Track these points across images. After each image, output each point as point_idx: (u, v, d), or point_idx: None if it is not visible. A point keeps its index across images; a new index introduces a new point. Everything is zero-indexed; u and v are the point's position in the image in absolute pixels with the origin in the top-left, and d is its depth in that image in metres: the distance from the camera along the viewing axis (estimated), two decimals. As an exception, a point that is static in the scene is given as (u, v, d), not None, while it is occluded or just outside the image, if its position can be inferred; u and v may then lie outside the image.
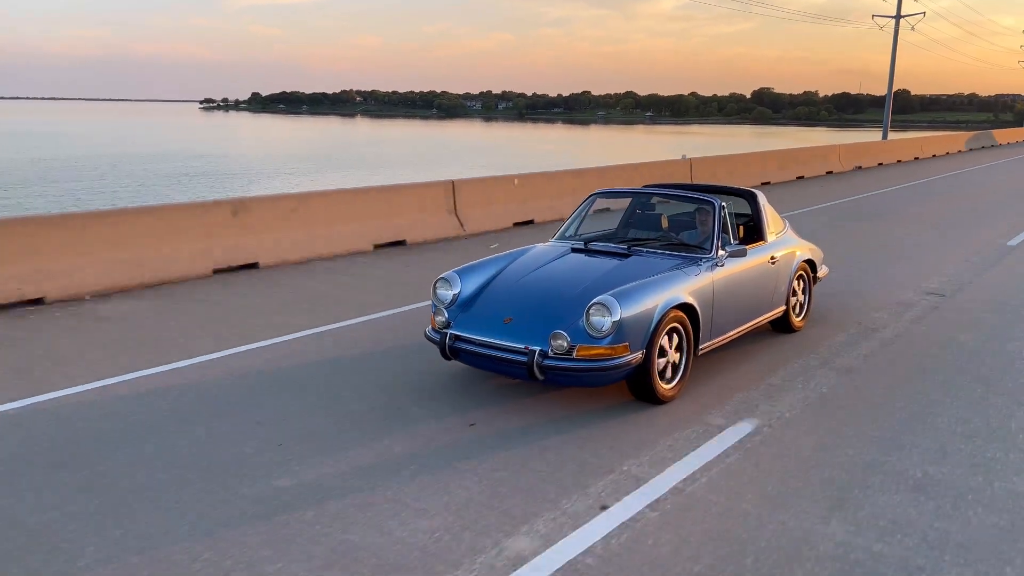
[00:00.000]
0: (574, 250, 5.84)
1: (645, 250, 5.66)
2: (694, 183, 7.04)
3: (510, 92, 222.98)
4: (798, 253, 6.66)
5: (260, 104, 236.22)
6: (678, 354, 5.13)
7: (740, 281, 5.73)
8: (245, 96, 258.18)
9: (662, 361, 4.99)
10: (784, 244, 6.51)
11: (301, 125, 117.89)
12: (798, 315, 6.77)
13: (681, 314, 5.06)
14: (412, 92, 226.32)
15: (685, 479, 4.03)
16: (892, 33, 37.99)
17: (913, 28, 41.51)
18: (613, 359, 4.65)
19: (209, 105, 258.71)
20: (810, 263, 6.86)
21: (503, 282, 5.42)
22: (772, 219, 6.52)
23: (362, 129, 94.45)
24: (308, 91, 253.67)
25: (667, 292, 4.97)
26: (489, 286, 5.41)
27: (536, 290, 5.22)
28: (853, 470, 4.16)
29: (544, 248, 5.99)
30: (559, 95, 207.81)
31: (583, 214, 6.39)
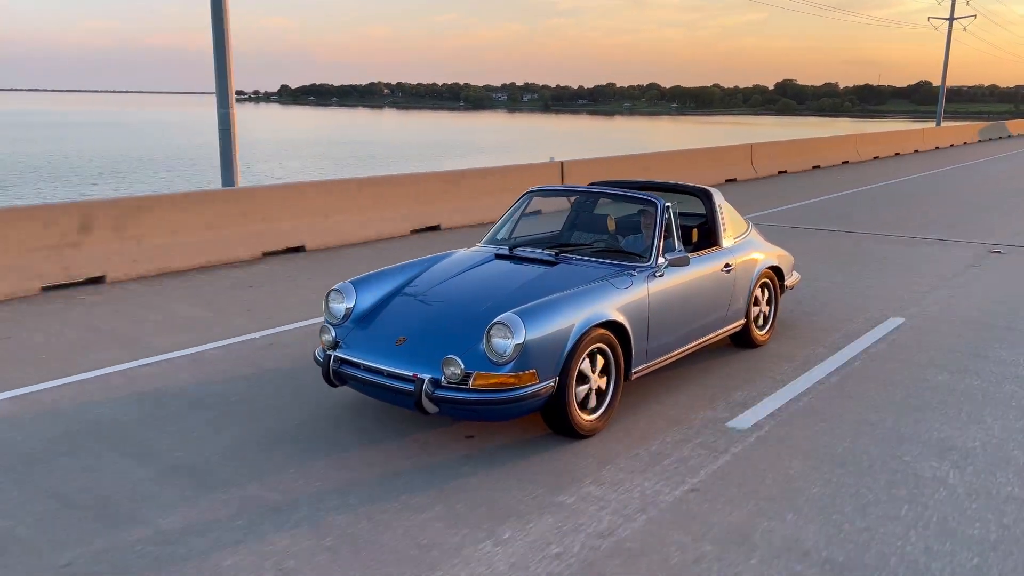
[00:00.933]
0: (498, 256, 5.11)
1: (575, 257, 4.93)
2: (647, 180, 6.28)
3: (532, 84, 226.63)
4: (761, 259, 5.90)
5: (290, 96, 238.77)
6: (604, 379, 4.42)
7: (685, 293, 4.99)
8: (274, 88, 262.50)
9: (583, 389, 4.27)
10: (744, 249, 5.76)
11: (355, 116, 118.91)
12: (761, 328, 6.02)
13: (607, 333, 4.33)
14: (436, 84, 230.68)
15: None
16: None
17: (966, 29, 44.74)
18: (516, 389, 3.92)
19: (240, 97, 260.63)
20: (776, 270, 6.11)
21: (408, 295, 4.70)
22: (730, 221, 5.77)
23: (427, 121, 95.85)
24: (336, 83, 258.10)
25: (588, 308, 4.24)
26: (391, 299, 4.69)
27: (439, 305, 4.50)
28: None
29: (466, 254, 5.27)
30: (581, 87, 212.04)
31: (516, 214, 5.66)
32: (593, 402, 4.36)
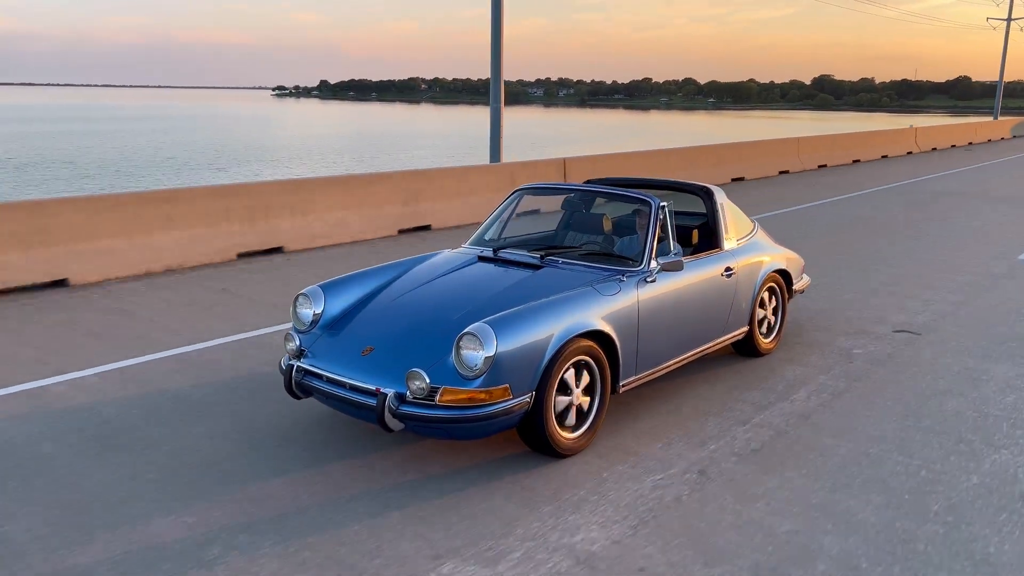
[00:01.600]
0: (481, 259, 4.80)
1: (561, 261, 4.60)
2: (646, 178, 5.92)
3: (566, 79, 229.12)
4: (767, 262, 5.53)
5: (330, 91, 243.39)
6: (588, 395, 4.09)
7: (679, 299, 4.64)
8: (313, 83, 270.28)
9: (563, 404, 3.95)
10: (748, 251, 5.39)
11: (402, 112, 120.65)
12: (767, 335, 5.65)
13: (591, 344, 4.00)
14: (470, 80, 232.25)
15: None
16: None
17: (1022, 29, 44.99)
18: (486, 405, 3.61)
19: (281, 92, 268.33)
20: (783, 274, 5.74)
21: (383, 300, 4.40)
22: (733, 221, 5.41)
23: (476, 115, 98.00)
24: (373, 79, 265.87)
25: (569, 317, 3.91)
26: (364, 305, 4.39)
27: (412, 312, 4.19)
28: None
29: (449, 255, 4.96)
30: (615, 82, 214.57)
31: (505, 213, 5.33)
32: (574, 419, 4.04)
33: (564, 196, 5.43)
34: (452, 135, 54.91)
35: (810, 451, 4.09)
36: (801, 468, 3.90)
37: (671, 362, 4.68)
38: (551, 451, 3.91)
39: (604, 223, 5.11)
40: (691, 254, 5.18)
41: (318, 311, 4.30)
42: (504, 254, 4.77)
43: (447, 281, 4.49)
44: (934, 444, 4.19)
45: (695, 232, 5.42)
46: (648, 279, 4.43)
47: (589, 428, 4.09)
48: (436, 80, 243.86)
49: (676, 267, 4.50)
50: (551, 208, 5.85)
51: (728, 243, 5.25)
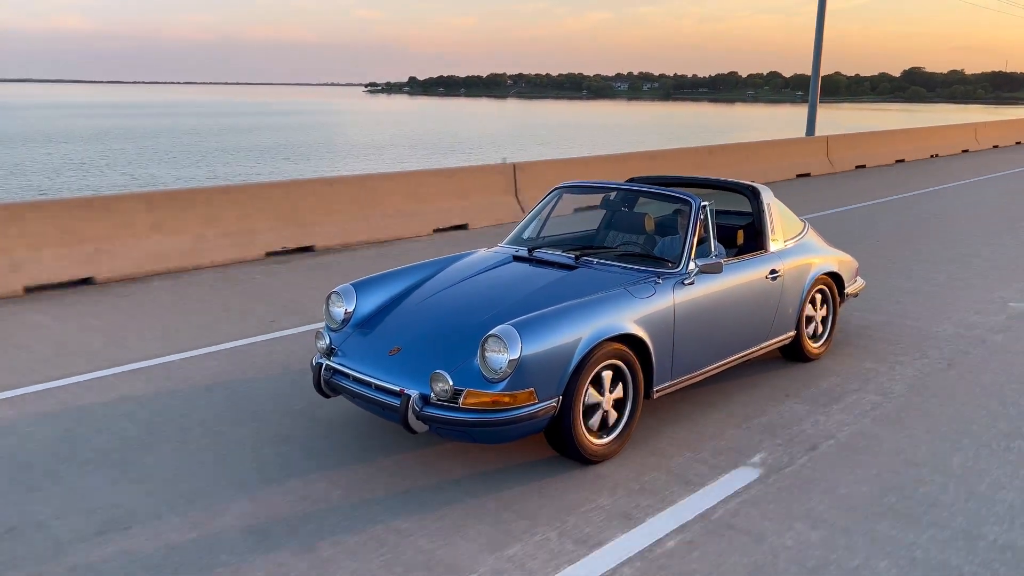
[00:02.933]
0: (516, 258, 4.72)
1: (596, 261, 4.49)
2: (691, 176, 5.75)
3: (647, 73, 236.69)
4: (816, 264, 5.32)
5: (420, 87, 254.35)
6: (621, 397, 3.98)
7: (720, 303, 4.48)
8: (403, 79, 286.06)
9: (593, 407, 3.85)
10: (796, 253, 5.19)
11: (502, 107, 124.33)
12: (816, 340, 5.44)
13: (622, 348, 3.89)
14: (550, 75, 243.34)
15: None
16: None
17: None
18: (511, 409, 3.54)
19: (373, 89, 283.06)
20: (835, 276, 5.51)
21: (414, 299, 4.37)
22: (780, 222, 5.21)
23: (587, 111, 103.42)
24: (460, 75, 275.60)
25: (600, 320, 3.81)
26: (396, 304, 4.37)
27: (441, 312, 4.14)
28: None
29: (483, 255, 4.90)
30: (695, 75, 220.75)
31: (544, 211, 5.25)
32: (609, 421, 3.95)
33: (604, 195, 5.30)
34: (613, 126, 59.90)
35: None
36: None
37: (709, 367, 4.53)
38: (579, 457, 3.82)
39: (646, 222, 4.98)
40: (736, 255, 5.02)
41: (350, 309, 4.29)
42: (539, 254, 4.69)
43: (479, 281, 4.44)
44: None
45: (740, 232, 5.24)
46: (686, 281, 4.29)
47: (620, 434, 3.98)
48: (520, 75, 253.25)
49: (715, 269, 4.34)
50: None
51: (774, 244, 5.06)
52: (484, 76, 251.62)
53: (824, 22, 17.70)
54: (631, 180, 5.69)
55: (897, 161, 18.67)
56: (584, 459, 3.83)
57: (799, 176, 15.93)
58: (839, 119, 66.90)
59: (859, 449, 4.06)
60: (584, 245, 4.90)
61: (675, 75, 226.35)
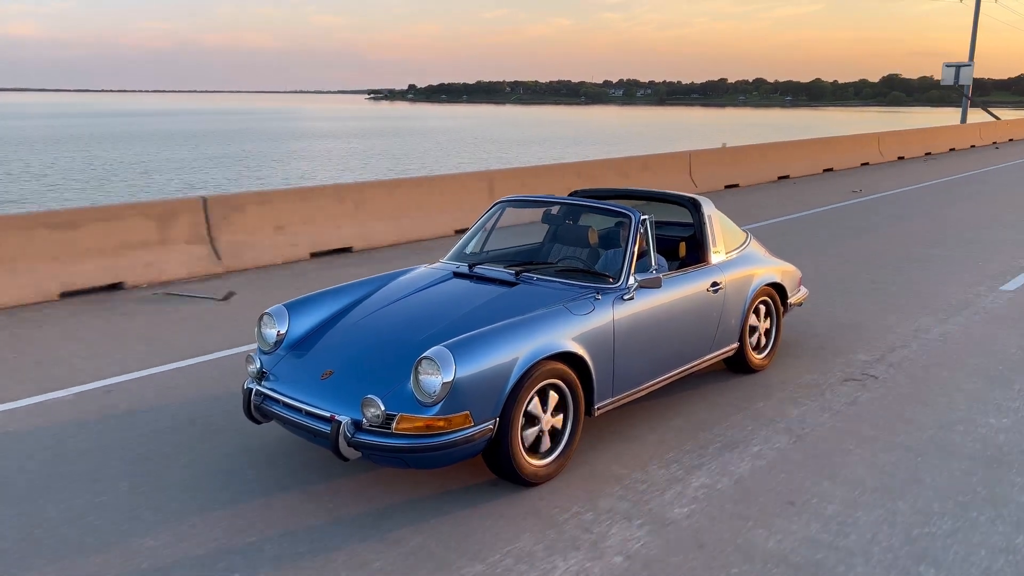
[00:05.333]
0: (456, 275, 4.64)
1: (536, 277, 4.43)
2: (632, 189, 5.71)
3: (632, 80, 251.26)
4: (758, 275, 5.32)
5: (421, 94, 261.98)
6: (560, 417, 3.91)
7: (660, 317, 4.45)
8: (402, 87, 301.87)
9: (532, 430, 3.78)
10: (738, 265, 5.18)
11: (516, 112, 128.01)
12: (760, 352, 5.44)
13: (562, 367, 3.82)
14: (538, 81, 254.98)
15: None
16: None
17: None
18: (446, 433, 3.44)
19: (376, 96, 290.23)
20: (777, 287, 5.52)
21: (349, 320, 4.25)
22: (721, 233, 5.20)
23: (597, 115, 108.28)
24: (456, 81, 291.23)
25: (537, 339, 3.73)
26: (331, 324, 4.25)
27: (376, 333, 4.04)
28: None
29: (425, 271, 4.80)
30: (684, 82, 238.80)
31: (486, 226, 5.17)
32: (547, 443, 3.87)
33: (545, 209, 5.24)
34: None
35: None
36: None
37: (652, 382, 4.49)
38: (518, 479, 3.74)
39: (590, 236, 4.93)
40: (678, 268, 5.00)
41: (282, 331, 4.16)
42: (480, 270, 4.61)
43: (418, 299, 4.34)
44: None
45: (682, 244, 5.23)
46: (625, 296, 4.25)
47: (561, 455, 3.91)
48: (516, 82, 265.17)
49: (654, 284, 4.30)
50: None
51: (716, 256, 5.05)
52: (484, 82, 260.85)
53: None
54: (573, 193, 5.65)
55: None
56: (523, 481, 3.75)
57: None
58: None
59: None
60: (525, 260, 4.83)
61: (664, 81, 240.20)
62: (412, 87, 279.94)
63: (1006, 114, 42.47)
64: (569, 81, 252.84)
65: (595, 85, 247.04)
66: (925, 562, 3.16)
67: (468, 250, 5.07)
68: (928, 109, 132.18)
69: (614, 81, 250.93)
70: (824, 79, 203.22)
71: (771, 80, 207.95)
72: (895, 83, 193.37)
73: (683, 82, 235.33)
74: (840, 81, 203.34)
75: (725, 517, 3.52)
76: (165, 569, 3.12)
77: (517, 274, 4.45)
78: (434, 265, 4.93)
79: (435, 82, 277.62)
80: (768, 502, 3.64)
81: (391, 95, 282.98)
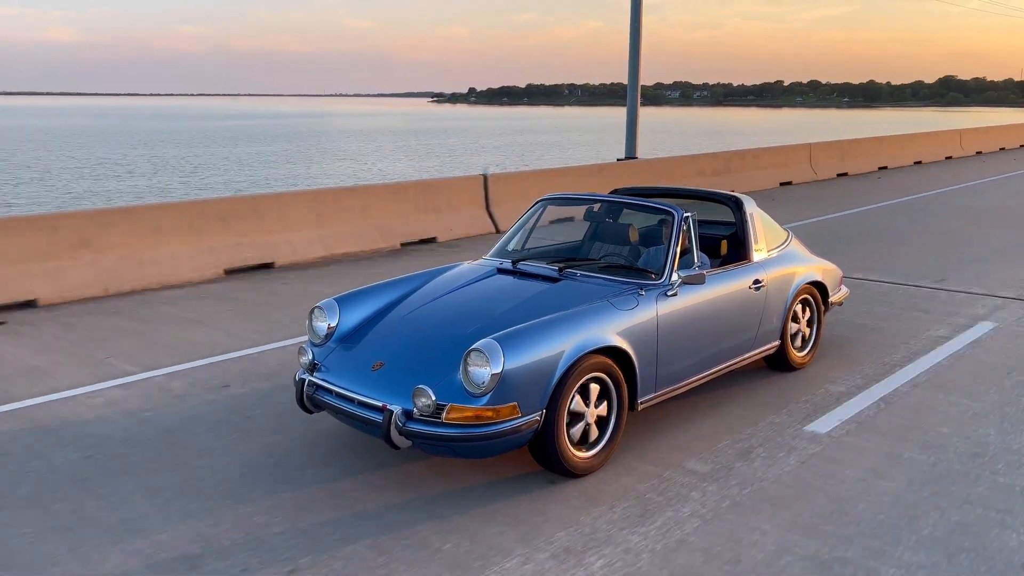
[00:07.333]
0: (500, 271, 4.72)
1: (580, 273, 4.49)
2: (675, 187, 5.75)
3: (681, 81, 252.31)
4: (800, 273, 5.33)
5: (482, 97, 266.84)
6: (604, 406, 3.96)
7: (703, 314, 4.49)
8: (462, 90, 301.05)
9: (579, 426, 3.84)
10: (779, 263, 5.20)
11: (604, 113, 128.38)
12: (801, 349, 5.45)
13: (606, 360, 3.89)
14: (603, 84, 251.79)
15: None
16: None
17: None
18: (494, 424, 3.53)
19: (440, 100, 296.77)
20: (819, 285, 5.53)
21: (397, 313, 4.35)
22: (763, 232, 5.22)
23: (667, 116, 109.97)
24: (513, 84, 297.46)
25: (582, 332, 3.80)
26: (379, 318, 4.35)
27: (424, 326, 4.13)
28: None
29: (467, 268, 4.89)
30: (740, 83, 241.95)
31: (529, 224, 5.24)
32: (593, 434, 3.93)
33: (587, 207, 5.30)
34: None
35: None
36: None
37: (694, 378, 4.53)
38: (564, 471, 3.80)
39: (630, 234, 4.99)
40: (720, 265, 5.03)
41: (333, 324, 4.28)
42: (523, 266, 4.68)
43: (462, 294, 4.43)
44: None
45: (724, 243, 5.26)
46: (668, 293, 4.30)
47: (605, 447, 3.97)
48: (570, 84, 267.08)
49: (698, 280, 4.35)
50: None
51: (758, 254, 5.08)
52: (545, 85, 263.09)
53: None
54: (615, 191, 5.71)
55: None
56: (568, 472, 3.82)
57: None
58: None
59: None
60: (568, 257, 4.90)
61: (717, 83, 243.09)
62: (472, 90, 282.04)
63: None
64: (623, 83, 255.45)
65: (648, 87, 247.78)
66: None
67: (510, 247, 5.14)
68: (986, 109, 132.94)
69: (665, 83, 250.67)
70: (876, 80, 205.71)
71: (823, 81, 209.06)
72: (951, 84, 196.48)
73: (733, 84, 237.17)
74: (893, 83, 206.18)
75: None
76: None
77: (560, 270, 4.52)
78: (477, 262, 5.01)
79: (495, 85, 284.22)
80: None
81: (453, 98, 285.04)
